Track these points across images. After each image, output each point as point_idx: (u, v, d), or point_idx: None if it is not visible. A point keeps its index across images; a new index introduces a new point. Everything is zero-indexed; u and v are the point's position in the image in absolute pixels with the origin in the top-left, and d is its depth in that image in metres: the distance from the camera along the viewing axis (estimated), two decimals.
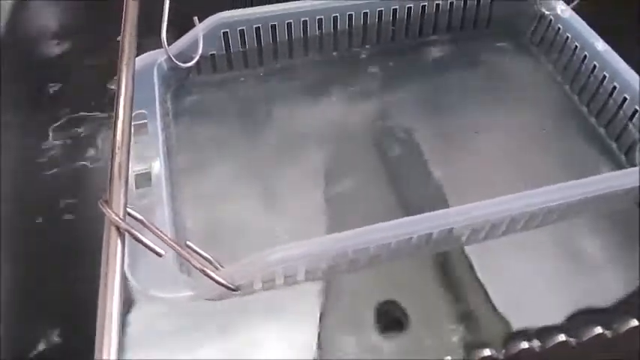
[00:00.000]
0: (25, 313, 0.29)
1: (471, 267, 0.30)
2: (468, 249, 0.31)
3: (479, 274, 0.30)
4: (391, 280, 0.30)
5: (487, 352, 0.27)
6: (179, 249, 0.24)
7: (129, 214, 0.23)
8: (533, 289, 0.30)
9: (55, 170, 0.35)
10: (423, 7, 0.40)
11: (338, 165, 0.35)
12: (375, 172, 0.35)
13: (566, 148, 0.36)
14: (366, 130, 0.37)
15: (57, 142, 0.36)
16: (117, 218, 0.22)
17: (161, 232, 0.24)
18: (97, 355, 0.19)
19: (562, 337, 0.27)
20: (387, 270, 0.30)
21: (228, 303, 0.28)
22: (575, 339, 0.27)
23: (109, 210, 0.22)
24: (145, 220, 0.23)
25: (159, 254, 0.22)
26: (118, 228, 0.22)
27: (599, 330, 0.27)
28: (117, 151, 0.24)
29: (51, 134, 0.37)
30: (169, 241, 0.24)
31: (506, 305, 0.29)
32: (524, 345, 0.27)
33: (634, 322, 0.28)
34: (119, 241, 0.22)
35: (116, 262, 0.21)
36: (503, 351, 0.27)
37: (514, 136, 0.37)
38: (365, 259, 0.28)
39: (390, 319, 0.29)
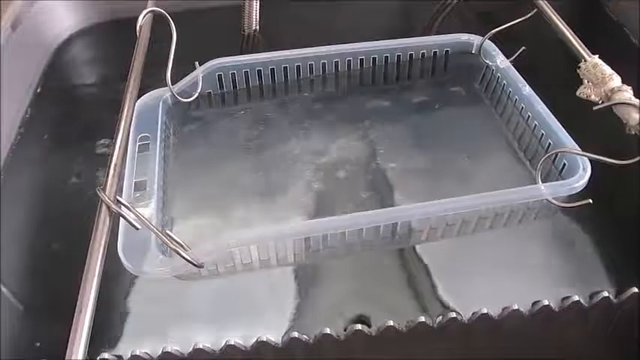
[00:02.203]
0: None
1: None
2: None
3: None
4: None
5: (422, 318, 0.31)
6: (155, 230, 0.31)
7: (119, 202, 0.31)
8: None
9: None
10: (386, 57, 0.48)
11: (314, 183, 0.42)
12: (344, 182, 0.42)
13: (496, 169, 0.43)
14: (339, 154, 0.44)
15: None
16: (109, 201, 0.29)
17: (143, 217, 0.31)
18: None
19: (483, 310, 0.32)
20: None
21: None
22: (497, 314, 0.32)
23: (103, 194, 0.29)
24: (130, 207, 0.31)
25: (135, 227, 0.29)
26: (108, 209, 0.29)
27: (515, 307, 0.32)
28: (114, 155, 0.32)
29: None
30: (149, 224, 0.31)
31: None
32: (452, 314, 0.32)
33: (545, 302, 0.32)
34: (108, 220, 0.29)
35: (103, 237, 0.29)
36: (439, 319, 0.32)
37: (460, 159, 0.44)
38: (308, 250, 0.35)
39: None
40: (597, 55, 0.36)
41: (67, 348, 0.25)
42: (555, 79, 0.46)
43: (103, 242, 0.28)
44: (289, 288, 0.36)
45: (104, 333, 0.34)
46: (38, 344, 0.33)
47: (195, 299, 0.37)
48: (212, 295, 0.37)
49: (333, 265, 0.38)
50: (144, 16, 0.42)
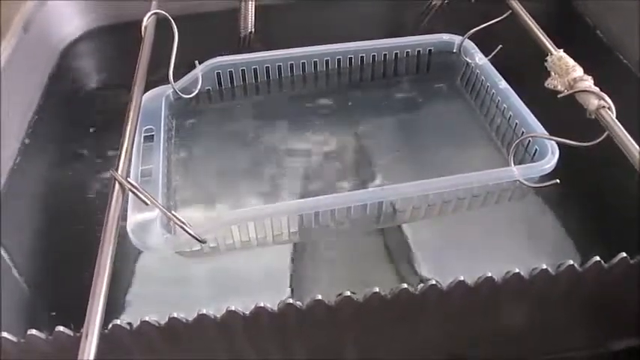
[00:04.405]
0: None
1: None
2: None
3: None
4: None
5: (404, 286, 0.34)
6: (161, 207, 0.34)
7: (129, 183, 0.34)
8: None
9: None
10: (374, 56, 0.52)
11: (306, 171, 0.45)
12: (335, 171, 0.46)
13: (476, 157, 0.46)
14: (330, 145, 0.48)
15: None
16: (121, 179, 0.32)
17: (150, 196, 0.34)
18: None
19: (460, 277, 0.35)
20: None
21: None
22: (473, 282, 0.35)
23: (116, 173, 0.33)
24: (139, 187, 0.34)
25: (145, 203, 0.32)
26: (121, 186, 0.33)
27: (489, 274, 0.35)
28: (125, 141, 0.35)
29: None
30: (155, 203, 0.34)
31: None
32: (432, 282, 0.35)
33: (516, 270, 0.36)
34: (120, 197, 0.33)
35: (117, 212, 0.32)
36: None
37: (443, 149, 0.47)
38: (302, 227, 0.38)
39: None
40: (562, 50, 0.40)
41: (85, 315, 0.28)
42: (528, 73, 0.50)
43: (116, 217, 0.31)
44: (284, 271, 0.40)
45: (113, 304, 0.37)
46: (54, 314, 0.36)
47: (198, 276, 0.40)
48: (212, 275, 0.40)
49: (324, 251, 0.41)
50: (148, 18, 0.46)
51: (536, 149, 0.42)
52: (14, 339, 0.30)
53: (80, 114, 0.54)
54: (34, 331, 0.32)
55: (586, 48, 0.52)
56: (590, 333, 0.38)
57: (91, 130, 0.51)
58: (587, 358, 0.37)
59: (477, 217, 0.42)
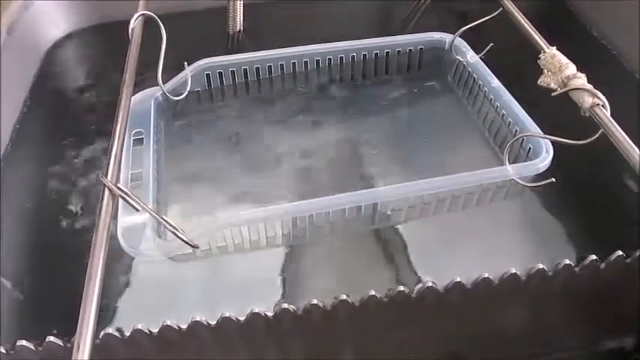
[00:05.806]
0: None
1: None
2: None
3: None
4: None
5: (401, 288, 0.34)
6: (152, 213, 0.34)
7: (119, 189, 0.33)
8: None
9: None
10: (365, 55, 0.51)
11: (298, 172, 0.45)
12: (327, 170, 0.45)
13: (469, 155, 0.46)
14: (322, 145, 0.47)
15: None
16: (111, 185, 0.32)
17: (141, 201, 0.34)
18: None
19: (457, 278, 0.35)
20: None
21: None
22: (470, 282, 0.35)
23: (106, 179, 0.32)
24: (129, 192, 0.33)
25: (136, 209, 0.32)
26: (111, 192, 0.32)
27: (485, 275, 0.35)
28: (114, 145, 0.34)
29: None
30: (146, 208, 0.34)
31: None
32: (429, 284, 0.35)
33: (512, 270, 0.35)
34: (111, 203, 0.32)
35: (107, 218, 0.31)
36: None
37: (435, 146, 0.47)
38: (296, 229, 0.37)
39: None
40: (555, 47, 0.39)
41: (76, 322, 0.28)
42: (520, 71, 0.50)
43: (107, 223, 0.31)
44: (278, 275, 0.39)
45: (103, 312, 0.36)
46: (55, 331, 0.35)
47: (190, 282, 0.39)
48: (205, 279, 0.39)
49: (318, 253, 0.41)
50: (135, 19, 0.45)
51: (530, 148, 0.41)
52: (3, 350, 0.30)
53: (66, 116, 0.52)
54: (23, 342, 0.32)
55: (579, 45, 0.52)
56: (587, 332, 0.38)
57: (78, 132, 0.50)
58: (584, 357, 0.37)
59: (472, 218, 0.41)
